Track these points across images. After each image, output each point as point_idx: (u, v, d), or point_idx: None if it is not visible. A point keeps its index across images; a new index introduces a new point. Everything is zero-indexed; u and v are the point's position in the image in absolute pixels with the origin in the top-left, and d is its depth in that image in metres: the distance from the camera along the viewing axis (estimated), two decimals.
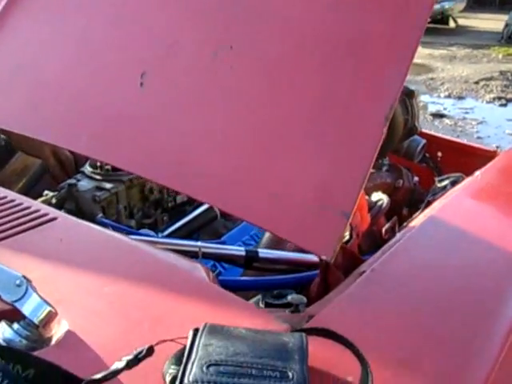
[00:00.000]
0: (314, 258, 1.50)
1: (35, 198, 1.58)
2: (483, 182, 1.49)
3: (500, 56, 9.74)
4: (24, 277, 0.80)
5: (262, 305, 1.21)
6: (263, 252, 1.50)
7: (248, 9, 1.14)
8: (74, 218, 1.13)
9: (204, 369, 0.62)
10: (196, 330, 0.70)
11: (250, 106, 1.06)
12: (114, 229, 1.57)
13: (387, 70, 1.01)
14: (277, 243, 1.66)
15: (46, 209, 1.14)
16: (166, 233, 1.79)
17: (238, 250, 1.49)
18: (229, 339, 0.67)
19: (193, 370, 0.62)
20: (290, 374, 0.62)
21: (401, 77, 1.01)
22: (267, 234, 1.71)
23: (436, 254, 1.07)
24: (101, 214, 1.71)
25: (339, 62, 1.04)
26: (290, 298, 1.11)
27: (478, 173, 1.56)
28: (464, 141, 2.65)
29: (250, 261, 1.49)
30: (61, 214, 1.11)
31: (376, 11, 1.06)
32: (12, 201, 1.16)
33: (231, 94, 1.08)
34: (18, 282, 0.79)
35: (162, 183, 1.32)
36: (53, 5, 1.39)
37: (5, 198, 1.18)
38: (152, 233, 1.68)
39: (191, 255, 1.37)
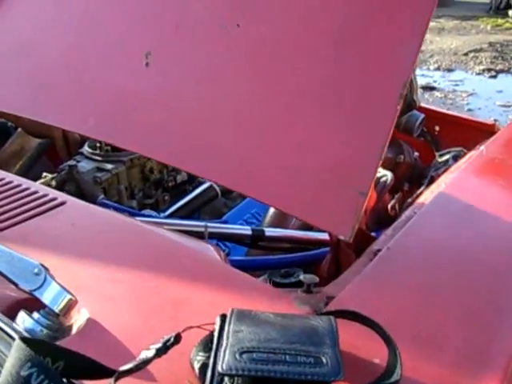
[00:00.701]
0: (320, 235, 1.50)
1: (33, 179, 1.56)
2: (488, 157, 1.48)
3: (489, 27, 9.70)
4: (42, 265, 0.78)
5: (269, 284, 1.20)
6: (269, 231, 1.50)
7: None
8: (82, 202, 1.11)
9: (237, 356, 0.61)
10: (223, 316, 0.69)
11: (260, 81, 1.04)
12: (117, 210, 1.56)
13: (399, 47, 1.00)
14: (280, 221, 1.66)
15: (54, 193, 1.12)
16: (168, 212, 1.78)
17: (244, 229, 1.49)
18: (258, 325, 0.66)
19: (225, 358, 0.61)
20: (324, 360, 0.62)
21: (413, 53, 0.99)
22: (270, 212, 1.70)
23: (450, 231, 1.07)
24: (102, 196, 1.69)
25: (350, 38, 1.02)
26: (302, 277, 1.09)
27: (482, 147, 1.55)
28: (461, 114, 2.64)
29: (256, 240, 1.49)
30: (69, 198, 1.10)
31: None
32: (18, 185, 1.14)
33: (240, 70, 1.06)
34: (36, 270, 0.78)
35: (173, 164, 1.30)
36: None
37: (11, 182, 1.16)
38: (154, 213, 1.67)
39: (197, 235, 1.37)
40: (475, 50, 8.30)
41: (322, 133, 0.96)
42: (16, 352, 0.54)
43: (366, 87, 0.98)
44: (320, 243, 1.50)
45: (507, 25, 9.83)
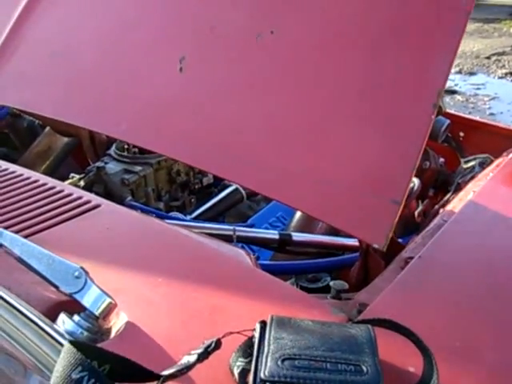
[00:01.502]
0: (347, 241, 1.50)
1: (59, 179, 1.58)
2: None
3: (511, 30, 9.63)
4: (82, 268, 0.80)
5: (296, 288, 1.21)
6: (296, 235, 1.51)
7: None
8: (116, 205, 1.13)
9: (279, 363, 0.62)
10: (263, 323, 0.70)
11: (295, 91, 1.05)
12: (144, 212, 1.58)
13: (433, 57, 1.00)
14: (307, 225, 1.67)
15: (88, 196, 1.13)
16: (194, 215, 1.79)
17: (272, 234, 1.50)
18: (298, 332, 0.67)
19: (267, 364, 0.62)
20: (364, 368, 0.62)
21: (447, 63, 1.00)
22: (297, 216, 1.71)
23: (481, 240, 1.07)
24: (130, 197, 1.71)
25: (384, 48, 1.02)
26: (331, 283, 1.10)
27: (511, 155, 1.54)
28: (486, 120, 2.62)
29: (283, 244, 1.50)
30: (103, 201, 1.11)
31: None
32: (52, 188, 1.16)
33: (276, 78, 1.07)
34: (76, 273, 0.79)
35: (206, 170, 1.31)
36: None
37: (45, 184, 1.18)
38: (182, 216, 1.69)
39: (225, 238, 1.38)
40: (498, 54, 8.24)
41: (357, 142, 0.97)
42: (66, 356, 0.55)
43: (400, 97, 0.98)
44: (347, 248, 1.51)
45: None
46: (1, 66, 1.37)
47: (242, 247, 1.59)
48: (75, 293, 0.79)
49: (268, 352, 0.64)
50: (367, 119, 0.98)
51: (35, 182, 1.19)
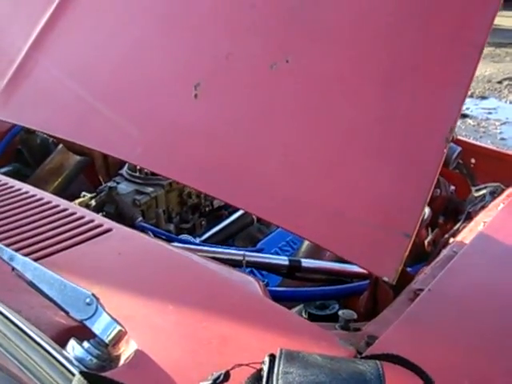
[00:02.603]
0: (356, 268, 1.50)
1: (70, 197, 1.59)
2: None
3: None
4: (93, 295, 0.80)
5: (305, 315, 1.21)
6: (306, 262, 1.51)
7: (306, 23, 1.13)
8: (128, 229, 1.14)
9: None
10: (272, 356, 0.70)
11: (309, 121, 1.06)
12: (155, 234, 1.58)
13: (446, 92, 1.01)
14: (317, 251, 1.67)
15: (99, 219, 1.14)
16: (204, 237, 1.80)
17: (281, 260, 1.50)
18: (307, 367, 0.67)
19: None
20: None
21: (460, 98, 1.00)
22: (306, 242, 1.71)
23: (492, 274, 1.07)
24: (140, 218, 1.72)
25: (398, 82, 1.03)
26: (340, 312, 1.10)
27: None
28: (498, 148, 2.62)
29: (292, 270, 1.50)
30: (115, 225, 1.12)
31: (435, 33, 1.05)
32: (65, 210, 1.17)
33: (290, 107, 1.08)
34: (88, 300, 0.80)
35: (218, 197, 1.32)
36: (102, 12, 1.40)
37: (58, 206, 1.19)
38: (192, 239, 1.69)
39: (235, 263, 1.38)
40: (510, 78, 8.24)
41: (370, 174, 0.97)
42: None
43: (413, 130, 0.99)
44: (356, 275, 1.50)
45: None
46: (18, 85, 1.39)
47: (252, 272, 1.60)
48: (86, 319, 0.79)
49: None
50: (380, 152, 0.99)
51: (48, 203, 1.20)
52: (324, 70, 1.08)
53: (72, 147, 2.05)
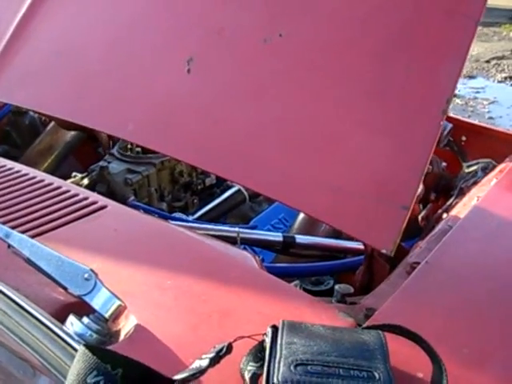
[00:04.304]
0: (350, 244, 1.50)
1: (60, 178, 1.58)
2: None
3: (511, 34, 9.64)
4: (92, 270, 0.80)
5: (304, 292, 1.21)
6: (300, 238, 1.51)
7: None
8: (123, 206, 1.13)
9: (292, 368, 0.62)
10: (274, 328, 0.70)
11: (303, 95, 1.05)
12: (148, 212, 1.58)
13: (442, 64, 1.00)
14: (310, 227, 1.67)
15: (94, 196, 1.13)
16: (196, 216, 1.79)
17: (276, 236, 1.50)
18: (310, 338, 0.67)
19: (280, 369, 0.62)
20: (377, 375, 0.63)
21: (457, 70, 1.00)
22: (299, 218, 1.71)
23: (488, 246, 1.07)
24: (133, 197, 1.71)
25: (394, 54, 1.03)
26: (337, 287, 1.10)
27: None
28: (488, 125, 2.62)
29: (286, 246, 1.50)
30: (110, 202, 1.11)
31: (430, 5, 1.05)
32: (58, 187, 1.16)
33: (284, 81, 1.07)
34: (86, 275, 0.79)
35: (213, 172, 1.31)
36: None
37: (51, 184, 1.17)
38: (185, 216, 1.69)
39: (229, 240, 1.38)
40: (497, 58, 8.25)
41: (367, 147, 0.97)
42: (81, 359, 0.55)
43: (409, 103, 0.99)
44: (350, 251, 1.51)
45: None
46: (6, 65, 1.37)
47: (245, 249, 1.59)
48: (84, 295, 0.79)
49: (280, 357, 0.64)
50: (376, 125, 0.98)
51: (41, 181, 1.19)
52: (318, 43, 1.08)
53: (64, 124, 2.03)
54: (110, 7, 1.31)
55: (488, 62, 8.11)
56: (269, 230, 1.84)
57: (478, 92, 7.00)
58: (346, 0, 1.10)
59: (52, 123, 2.14)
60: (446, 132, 2.20)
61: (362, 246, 1.45)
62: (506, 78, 7.46)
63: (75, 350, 0.71)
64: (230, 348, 0.67)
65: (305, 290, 1.22)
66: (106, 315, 0.77)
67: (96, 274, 0.80)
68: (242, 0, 1.17)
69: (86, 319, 0.77)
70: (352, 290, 1.08)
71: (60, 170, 2.12)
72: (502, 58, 8.24)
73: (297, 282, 1.26)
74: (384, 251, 0.91)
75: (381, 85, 1.01)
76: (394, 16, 1.04)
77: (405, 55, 1.02)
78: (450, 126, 2.25)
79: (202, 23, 1.19)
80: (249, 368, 0.69)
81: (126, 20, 1.28)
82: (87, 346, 0.56)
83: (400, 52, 1.02)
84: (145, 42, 1.23)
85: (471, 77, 7.60)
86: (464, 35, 1.01)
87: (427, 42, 1.02)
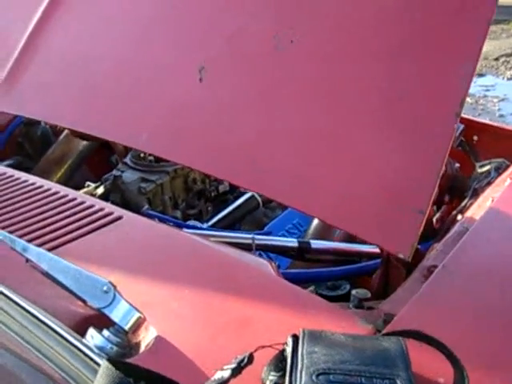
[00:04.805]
0: (366, 248, 1.50)
1: (74, 188, 1.59)
2: None
3: None
4: (110, 282, 0.80)
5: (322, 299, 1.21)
6: (315, 243, 1.51)
7: (308, 2, 1.12)
8: (138, 217, 1.13)
9: (314, 378, 0.62)
10: (295, 337, 0.70)
11: (316, 101, 1.05)
12: (163, 221, 1.58)
13: (455, 66, 1.00)
14: (325, 232, 1.67)
15: (109, 207, 1.14)
16: (211, 223, 1.79)
17: (291, 242, 1.50)
18: (331, 346, 0.67)
19: (302, 379, 0.62)
20: (399, 382, 0.62)
21: (469, 72, 0.99)
22: (314, 223, 1.71)
23: (505, 249, 1.06)
24: (147, 206, 1.72)
25: (406, 57, 1.02)
26: (354, 292, 1.10)
27: None
28: (499, 124, 2.61)
29: (302, 252, 1.49)
30: (125, 213, 1.11)
31: (440, 5, 1.04)
32: (74, 199, 1.17)
33: (296, 88, 1.07)
34: (105, 288, 0.79)
35: (228, 180, 1.31)
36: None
37: (66, 196, 1.18)
38: (199, 224, 1.69)
39: (244, 247, 1.38)
40: (506, 55, 8.21)
41: (381, 152, 0.96)
42: (104, 374, 0.55)
43: (422, 106, 0.98)
44: (366, 255, 1.50)
45: None
46: (18, 77, 1.38)
47: (260, 255, 1.60)
48: (104, 307, 0.79)
49: (302, 366, 0.64)
50: (390, 129, 0.98)
51: (56, 193, 1.19)
52: (330, 48, 1.07)
53: (78, 133, 2.04)
54: (120, 17, 1.32)
55: (497, 59, 8.07)
56: (283, 236, 1.83)
57: (487, 90, 6.98)
58: (356, 4, 1.10)
59: (64, 133, 2.15)
60: (458, 133, 2.19)
61: (377, 250, 1.44)
62: None
63: (96, 363, 0.71)
64: (251, 358, 0.67)
65: (321, 295, 1.22)
66: (126, 327, 0.78)
67: (115, 287, 0.80)
68: (252, 7, 1.17)
69: (106, 332, 0.77)
70: (369, 294, 1.08)
71: (73, 179, 2.13)
72: (511, 55, 8.20)
73: (312, 287, 1.26)
74: (401, 256, 0.90)
75: (393, 89, 1.00)
76: (405, 19, 1.04)
77: (417, 58, 1.02)
78: (462, 126, 2.24)
79: (213, 31, 1.19)
80: (270, 378, 0.68)
81: (137, 30, 1.29)
82: (110, 360, 0.56)
83: (412, 55, 1.02)
84: (156, 51, 1.24)
85: (480, 75, 7.57)
86: (476, 36, 1.00)
87: (439, 44, 1.02)
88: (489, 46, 8.65)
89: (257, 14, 1.17)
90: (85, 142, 2.14)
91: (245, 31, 1.16)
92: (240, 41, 1.15)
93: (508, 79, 7.38)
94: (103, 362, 0.56)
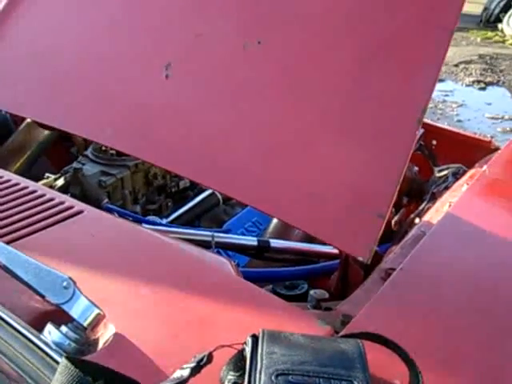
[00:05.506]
0: (324, 248, 1.51)
1: (33, 179, 1.56)
2: (492, 177, 1.50)
3: (478, 39, 9.76)
4: (70, 278, 0.79)
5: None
6: (274, 242, 1.52)
7: (277, 3, 1.13)
8: (99, 211, 1.12)
9: (273, 378, 0.62)
10: (254, 337, 0.70)
11: (281, 102, 1.06)
12: (122, 216, 1.57)
13: (418, 74, 1.02)
14: (284, 231, 1.68)
15: (70, 201, 1.12)
16: (170, 218, 1.79)
17: (250, 240, 1.50)
18: (290, 347, 0.68)
19: (261, 380, 0.62)
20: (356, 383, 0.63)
21: (431, 80, 1.02)
22: (274, 222, 1.72)
23: (461, 253, 1.09)
24: (106, 200, 1.70)
25: (371, 64, 1.04)
26: (312, 292, 1.11)
27: (484, 167, 1.57)
28: (459, 130, 2.66)
29: (261, 250, 1.50)
30: (86, 207, 1.10)
31: (406, 15, 1.06)
32: (34, 191, 1.15)
33: (262, 88, 1.08)
34: (65, 283, 0.79)
35: (191, 178, 1.31)
36: None
37: (26, 188, 1.16)
38: (159, 220, 1.68)
39: (203, 244, 1.38)
40: (465, 62, 8.35)
41: (343, 155, 0.98)
42: (63, 372, 0.55)
43: (386, 111, 1.00)
44: (324, 256, 1.52)
45: (496, 38, 9.89)
46: None
47: (218, 252, 1.60)
48: (63, 303, 0.78)
49: (261, 367, 0.64)
50: (353, 133, 0.99)
51: (16, 185, 1.17)
52: (296, 51, 1.08)
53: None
54: (87, 10, 1.31)
55: (457, 65, 8.21)
56: (242, 234, 1.84)
57: (446, 95, 7.09)
58: (324, 9, 1.11)
59: (25, 122, 2.11)
60: (417, 137, 2.21)
61: (336, 251, 1.46)
62: (473, 81, 7.56)
63: (53, 359, 0.70)
64: (210, 357, 0.68)
65: (279, 294, 1.23)
66: (85, 324, 0.77)
67: (75, 282, 0.79)
68: (221, 6, 1.18)
69: (64, 328, 0.77)
70: (327, 295, 1.09)
71: (32, 170, 2.09)
72: (470, 62, 8.36)
73: (269, 286, 1.26)
74: (360, 259, 0.92)
75: (357, 93, 1.02)
76: (372, 26, 1.06)
77: (381, 64, 1.03)
78: (421, 130, 2.27)
79: (181, 29, 1.19)
80: (229, 377, 0.69)
81: (103, 23, 1.28)
82: (69, 358, 0.56)
83: (377, 62, 1.03)
84: (123, 46, 1.23)
85: (440, 80, 7.66)
86: (439, 45, 1.03)
87: (403, 52, 1.03)
88: (449, 53, 8.74)
89: (226, 13, 1.18)
90: (45, 133, 2.11)
91: (213, 30, 1.16)
92: (208, 39, 1.15)
93: (467, 85, 7.50)
94: (62, 360, 0.56)
